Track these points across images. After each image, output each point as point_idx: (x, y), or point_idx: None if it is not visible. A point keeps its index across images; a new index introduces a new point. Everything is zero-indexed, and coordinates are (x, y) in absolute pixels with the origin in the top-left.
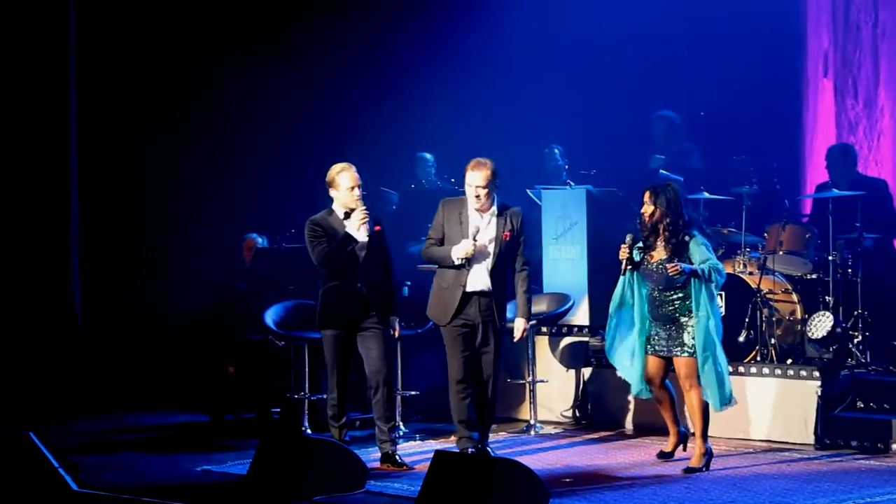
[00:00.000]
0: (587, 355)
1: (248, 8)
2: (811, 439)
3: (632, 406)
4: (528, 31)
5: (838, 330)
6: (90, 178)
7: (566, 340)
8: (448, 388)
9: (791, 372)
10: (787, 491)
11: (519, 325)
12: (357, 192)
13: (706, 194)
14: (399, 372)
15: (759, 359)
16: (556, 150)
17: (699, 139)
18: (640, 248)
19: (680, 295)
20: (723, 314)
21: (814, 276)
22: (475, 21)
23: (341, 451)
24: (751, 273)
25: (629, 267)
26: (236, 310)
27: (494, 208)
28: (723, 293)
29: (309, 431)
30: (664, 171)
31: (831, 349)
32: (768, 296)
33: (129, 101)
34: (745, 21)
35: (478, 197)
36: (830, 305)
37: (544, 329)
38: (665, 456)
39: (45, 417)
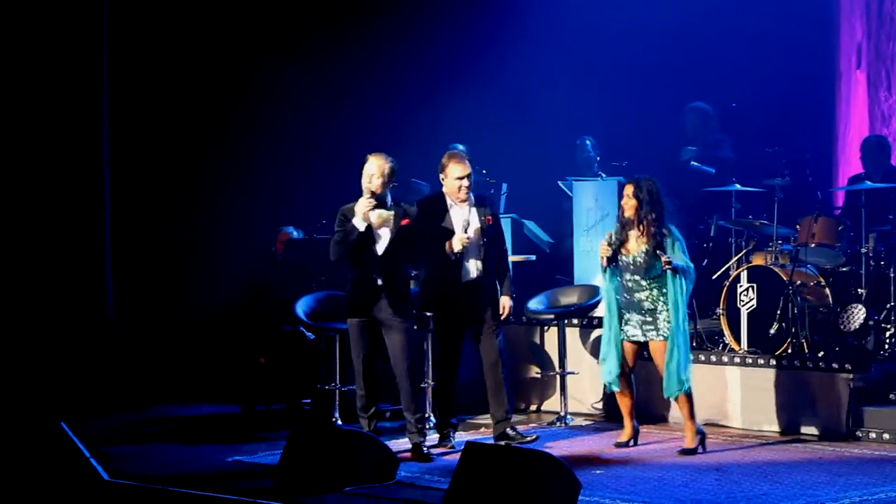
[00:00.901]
0: None
1: (279, 7)
2: (843, 432)
3: (663, 399)
4: (561, 22)
5: (871, 322)
6: (123, 170)
7: (597, 332)
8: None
9: (823, 364)
10: (819, 483)
11: (505, 303)
12: (373, 181)
13: (738, 186)
14: (430, 364)
15: (791, 351)
16: (588, 142)
17: (732, 131)
18: (612, 242)
19: (656, 285)
20: (755, 306)
21: (846, 269)
22: (508, 12)
23: (371, 442)
24: (783, 265)
25: (610, 263)
26: (267, 301)
27: (471, 198)
28: (754, 285)
29: (339, 422)
30: (695, 163)
31: (864, 341)
32: (800, 288)
33: (163, 95)
34: (778, 12)
35: (467, 188)
36: (863, 298)
37: (575, 321)
38: (622, 445)
39: (77, 408)
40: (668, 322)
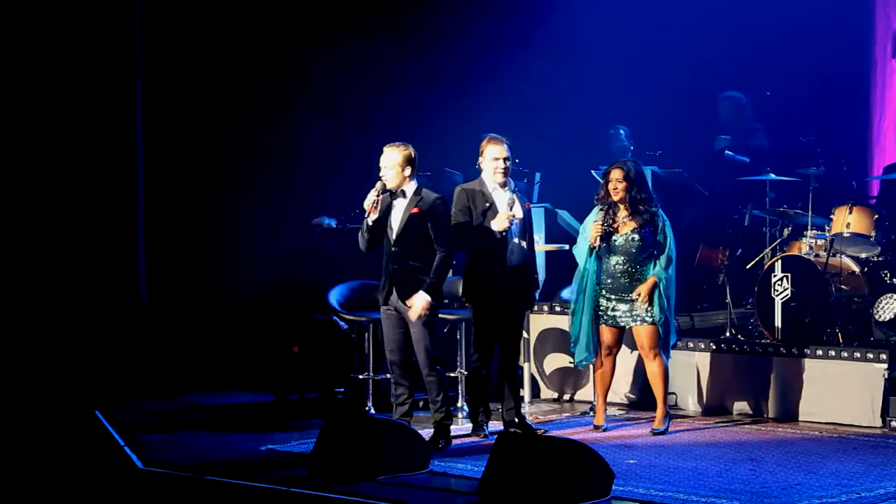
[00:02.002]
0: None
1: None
2: (878, 422)
3: (697, 387)
4: (595, 12)
5: None
6: (156, 158)
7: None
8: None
9: (858, 354)
10: (854, 474)
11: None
12: (386, 174)
13: (772, 175)
14: (462, 352)
15: (825, 341)
16: (622, 131)
17: (766, 120)
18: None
19: (644, 269)
20: (789, 296)
21: (881, 258)
22: (542, 3)
23: (405, 431)
24: (817, 255)
25: (600, 244)
26: (300, 290)
27: (511, 183)
28: (789, 275)
29: (373, 411)
30: (730, 152)
31: None
32: (835, 278)
33: (194, 87)
34: (813, 1)
35: (505, 170)
36: None
37: None
38: (600, 428)
39: (111, 397)
40: (653, 307)
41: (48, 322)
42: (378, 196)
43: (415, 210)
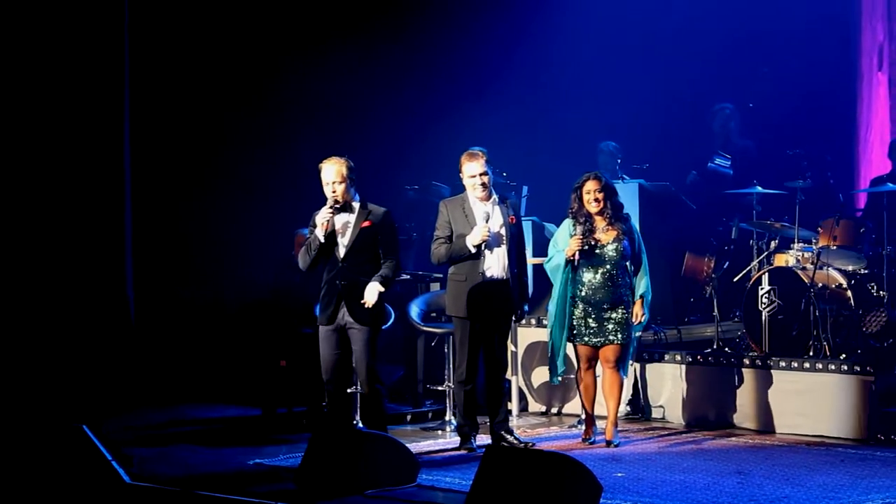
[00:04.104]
0: (639, 350)
1: (306, 8)
2: (864, 434)
3: (684, 400)
4: (581, 26)
5: (892, 325)
6: (143, 171)
7: None
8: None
9: (845, 367)
10: (841, 486)
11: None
12: (336, 188)
13: (759, 188)
14: (449, 366)
15: (812, 354)
16: (611, 145)
17: (752, 132)
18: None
19: (628, 277)
20: (776, 309)
21: (868, 271)
22: (529, 17)
23: (392, 445)
24: (804, 268)
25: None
26: (288, 303)
27: (495, 196)
28: (776, 288)
29: (360, 425)
30: (712, 164)
31: (885, 344)
32: (822, 291)
33: (184, 96)
34: (799, 14)
35: (483, 185)
36: (885, 300)
37: None
38: (589, 441)
39: (99, 411)
40: (624, 326)
41: (35, 335)
42: (332, 212)
43: (366, 224)
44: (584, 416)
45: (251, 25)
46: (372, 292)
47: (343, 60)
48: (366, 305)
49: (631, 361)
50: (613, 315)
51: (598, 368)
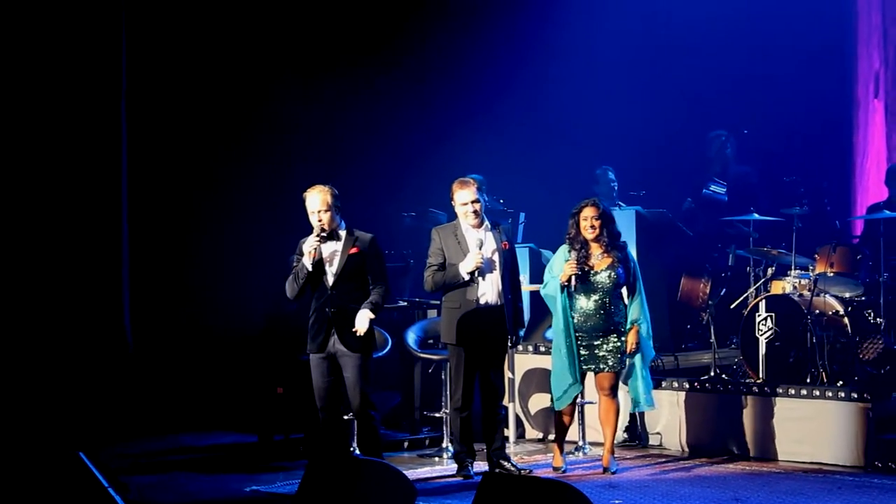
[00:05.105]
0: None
1: (300, 30)
2: (861, 462)
3: (681, 427)
4: (580, 54)
5: (889, 352)
6: (141, 196)
7: None
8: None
9: (842, 394)
10: None
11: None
12: (322, 217)
13: (756, 215)
14: (446, 393)
15: (809, 381)
16: (610, 172)
17: (748, 158)
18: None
19: (622, 304)
20: (773, 336)
21: (864, 298)
22: (527, 44)
23: (390, 472)
24: (801, 295)
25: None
26: (285, 330)
27: (487, 223)
28: (773, 314)
29: (357, 452)
30: (707, 191)
31: (882, 371)
32: (819, 318)
33: (182, 121)
34: (795, 41)
35: (475, 212)
36: (881, 327)
37: None
38: (559, 469)
39: (96, 438)
40: (617, 353)
41: (32, 362)
42: (319, 240)
43: (353, 250)
44: (555, 445)
45: (247, 53)
46: (363, 320)
47: (340, 87)
48: (357, 333)
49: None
50: (605, 342)
51: (590, 397)
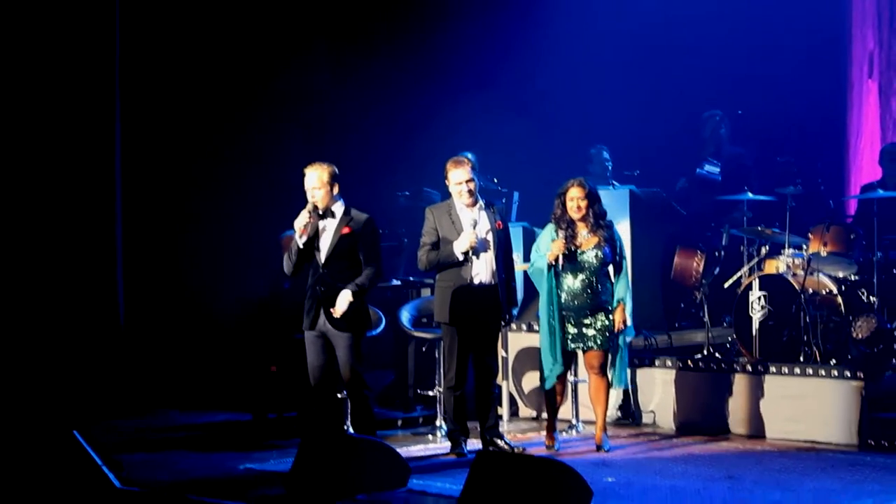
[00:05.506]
0: (629, 355)
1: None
2: (855, 440)
3: (675, 405)
4: (573, 33)
5: (883, 331)
6: (134, 174)
7: None
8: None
9: (835, 373)
10: (832, 492)
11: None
12: (315, 194)
13: (750, 195)
14: (440, 371)
15: (802, 359)
16: (605, 152)
17: (743, 139)
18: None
19: (609, 283)
20: (767, 315)
21: (858, 278)
22: (522, 24)
23: (383, 450)
24: (794, 274)
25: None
26: (279, 309)
27: (481, 202)
28: (766, 294)
29: (351, 430)
30: (701, 170)
31: (875, 350)
32: (812, 297)
33: (177, 100)
34: (789, 22)
35: (469, 192)
36: (875, 306)
37: None
38: (552, 447)
39: (89, 416)
40: (605, 331)
41: (25, 340)
42: (310, 217)
43: (346, 230)
44: (547, 423)
45: (241, 32)
46: (341, 301)
47: (334, 67)
48: (334, 314)
49: (627, 370)
50: (594, 321)
51: (583, 375)
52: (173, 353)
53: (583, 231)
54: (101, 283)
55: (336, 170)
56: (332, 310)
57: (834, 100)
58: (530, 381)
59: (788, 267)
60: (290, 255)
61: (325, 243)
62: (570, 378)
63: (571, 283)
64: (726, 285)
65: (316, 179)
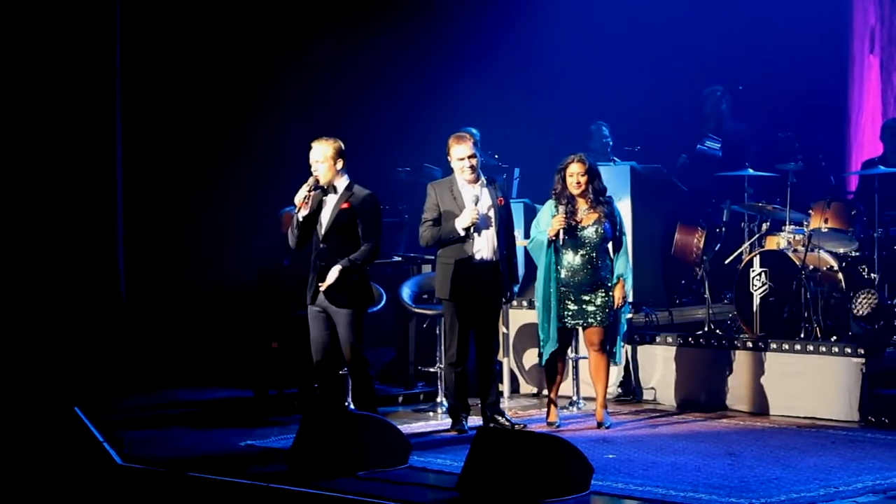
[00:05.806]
0: (630, 331)
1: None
2: (856, 417)
3: (675, 382)
4: (575, 8)
5: (883, 307)
6: (135, 154)
7: None
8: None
9: (836, 349)
10: (832, 468)
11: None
12: (316, 166)
13: (751, 171)
14: (441, 348)
15: (803, 336)
16: (604, 128)
17: (744, 114)
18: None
19: (608, 259)
20: (767, 291)
21: (859, 254)
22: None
23: (384, 426)
24: (795, 250)
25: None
26: (280, 285)
27: (482, 178)
28: (767, 270)
29: (352, 407)
30: (702, 146)
31: (876, 326)
32: (813, 273)
33: (175, 78)
34: None
35: (471, 167)
36: (875, 282)
37: None
38: (553, 424)
39: (90, 393)
40: (605, 308)
41: (27, 319)
42: (310, 191)
43: (345, 205)
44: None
45: (244, 9)
46: (331, 275)
47: (334, 43)
48: (320, 288)
49: (623, 345)
50: (594, 298)
51: (584, 352)
52: (175, 329)
53: (583, 207)
54: (103, 260)
55: (342, 146)
56: (319, 284)
57: (835, 75)
58: (531, 357)
59: (789, 243)
60: (292, 229)
61: (325, 218)
62: (571, 355)
63: (571, 259)
64: (727, 261)
65: (320, 153)
